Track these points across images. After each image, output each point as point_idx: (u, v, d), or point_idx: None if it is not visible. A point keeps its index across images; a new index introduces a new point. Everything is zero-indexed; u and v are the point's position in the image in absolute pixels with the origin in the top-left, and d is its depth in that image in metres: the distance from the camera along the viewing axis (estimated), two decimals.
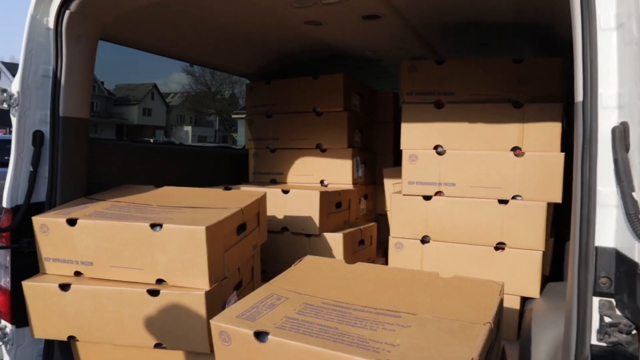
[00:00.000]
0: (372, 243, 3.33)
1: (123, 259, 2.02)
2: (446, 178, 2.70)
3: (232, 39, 3.26)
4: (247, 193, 2.50)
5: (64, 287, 2.04)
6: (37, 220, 2.12)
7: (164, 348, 2.00)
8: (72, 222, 2.06)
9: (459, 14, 2.80)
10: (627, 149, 1.23)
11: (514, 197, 2.58)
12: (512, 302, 2.62)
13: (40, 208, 2.28)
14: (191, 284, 1.94)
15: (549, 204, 2.55)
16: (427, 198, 2.75)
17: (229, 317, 1.64)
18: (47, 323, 2.10)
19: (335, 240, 2.89)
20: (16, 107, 2.24)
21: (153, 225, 1.95)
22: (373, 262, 3.26)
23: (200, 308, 1.90)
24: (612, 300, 1.30)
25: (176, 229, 1.93)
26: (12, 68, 36.43)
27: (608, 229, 1.30)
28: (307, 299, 1.77)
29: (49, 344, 2.33)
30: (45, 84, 2.30)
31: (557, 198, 2.51)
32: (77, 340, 2.11)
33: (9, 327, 2.29)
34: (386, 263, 3.17)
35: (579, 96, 1.34)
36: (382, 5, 2.60)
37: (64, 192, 2.33)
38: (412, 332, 1.51)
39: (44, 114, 2.31)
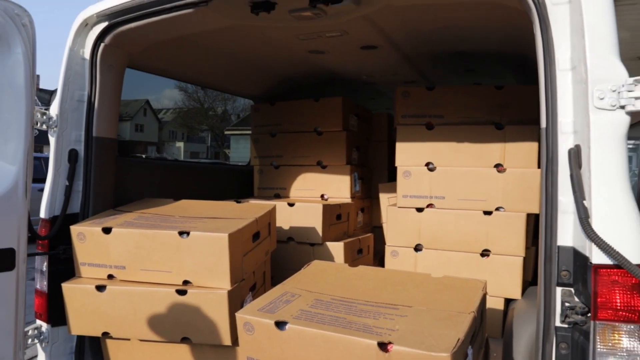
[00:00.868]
0: (369, 252, 3.61)
1: (153, 263, 2.29)
2: (436, 192, 3.00)
3: (242, 66, 3.56)
4: (258, 205, 2.78)
5: (100, 288, 2.30)
6: (75, 229, 2.39)
7: (190, 342, 2.25)
8: (107, 230, 2.33)
9: (447, 45, 3.13)
10: (579, 166, 1.53)
11: (497, 209, 2.88)
12: (497, 304, 2.91)
13: (75, 219, 2.54)
14: (214, 285, 2.21)
15: (528, 215, 2.86)
16: (419, 210, 3.05)
17: (251, 310, 1.91)
18: (83, 321, 2.36)
19: (336, 248, 3.17)
20: (54, 128, 2.51)
21: (181, 233, 2.23)
22: None
23: (223, 306, 2.17)
24: (571, 289, 1.59)
25: (201, 235, 2.20)
26: None
27: (567, 231, 1.59)
28: (318, 296, 2.05)
29: (81, 341, 2.57)
30: (80, 108, 2.59)
31: (536, 209, 2.81)
32: (111, 336, 2.36)
33: (44, 327, 2.53)
34: None
35: (543, 123, 1.65)
36: (378, 37, 2.92)
37: (95, 205, 2.60)
38: (408, 320, 1.79)
39: (79, 134, 2.59)
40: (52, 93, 2.69)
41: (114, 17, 2.44)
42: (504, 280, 2.87)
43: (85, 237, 2.37)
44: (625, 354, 1.47)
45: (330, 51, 3.26)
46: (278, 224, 3.19)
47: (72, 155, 2.56)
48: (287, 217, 3.27)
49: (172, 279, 2.27)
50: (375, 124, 4.28)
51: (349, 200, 3.67)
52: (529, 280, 3.09)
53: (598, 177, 1.48)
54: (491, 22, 2.48)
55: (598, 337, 1.49)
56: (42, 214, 2.55)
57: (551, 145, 1.61)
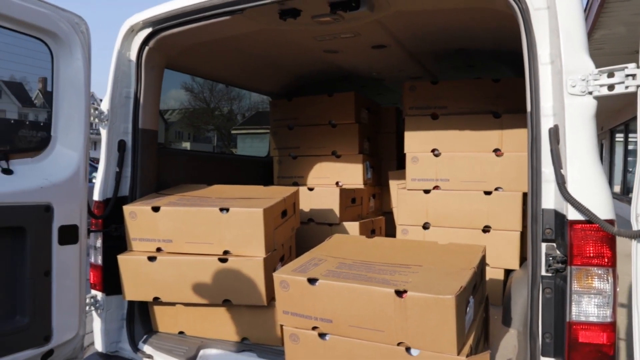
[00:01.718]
0: (381, 232, 3.97)
1: (196, 236, 2.64)
2: (441, 175, 3.34)
3: (263, 66, 3.92)
4: (284, 188, 3.13)
5: (151, 258, 2.67)
6: (127, 209, 2.75)
7: (230, 303, 2.61)
8: (156, 209, 2.69)
9: (449, 43, 3.46)
10: (558, 142, 1.88)
11: (496, 189, 3.22)
12: (497, 274, 3.25)
13: (124, 200, 2.90)
14: (251, 253, 2.56)
15: (524, 194, 3.19)
16: (426, 192, 3.40)
17: (286, 271, 2.27)
18: (136, 288, 2.72)
19: (352, 228, 3.52)
20: (105, 122, 2.88)
21: (221, 209, 2.59)
22: None
23: (259, 271, 2.52)
24: (554, 243, 1.93)
25: (240, 211, 2.56)
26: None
27: (549, 196, 1.93)
28: (341, 260, 2.40)
29: (131, 308, 2.93)
30: (127, 104, 2.95)
31: None
32: (160, 301, 2.72)
33: (100, 295, 2.89)
34: None
35: (528, 108, 1.99)
36: (387, 38, 3.26)
37: (142, 188, 2.96)
38: (419, 275, 2.14)
39: (126, 127, 2.95)
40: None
41: (158, 24, 2.79)
42: (503, 253, 3.21)
43: (137, 215, 2.73)
44: (596, 292, 1.81)
45: (343, 50, 3.60)
46: (299, 207, 3.54)
47: (121, 145, 2.92)
48: (308, 200, 3.63)
49: (214, 249, 2.62)
50: (384, 117, 4.62)
51: (361, 187, 4.02)
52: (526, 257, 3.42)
53: (572, 150, 1.82)
54: (486, 24, 2.81)
55: (574, 280, 1.83)
56: (96, 197, 2.91)
57: (535, 126, 1.96)
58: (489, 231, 3.25)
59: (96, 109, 2.87)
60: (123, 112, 2.93)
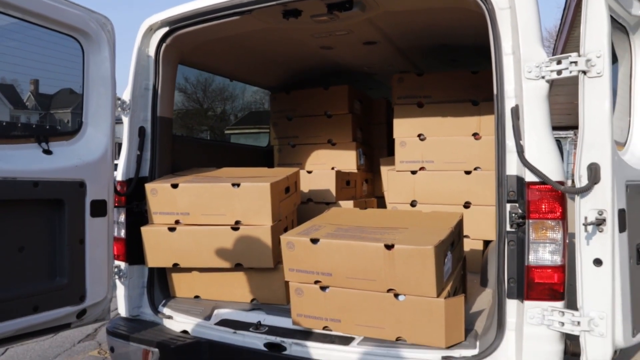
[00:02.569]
0: None
1: (211, 208, 3.01)
2: (427, 157, 3.73)
3: (265, 61, 4.29)
4: (286, 169, 3.51)
5: (171, 229, 3.03)
6: (149, 186, 3.11)
7: (242, 267, 2.98)
8: (175, 186, 3.06)
9: (434, 39, 3.85)
10: (518, 118, 2.26)
11: (475, 169, 3.62)
12: (477, 245, 3.64)
13: (144, 180, 3.25)
14: (260, 222, 2.93)
15: None
16: (413, 172, 3.79)
17: (292, 234, 2.65)
18: (158, 255, 3.09)
19: (347, 206, 3.90)
20: (127, 111, 3.23)
21: (233, 185, 2.96)
22: None
23: (267, 237, 2.90)
24: (516, 203, 2.31)
25: (250, 185, 2.93)
26: None
27: (512, 164, 2.32)
28: (338, 225, 2.78)
29: (151, 276, 3.27)
30: (145, 94, 3.30)
31: None
32: (179, 267, 3.08)
33: (123, 265, 3.25)
34: None
35: (495, 90, 2.38)
36: (378, 34, 3.65)
37: (160, 170, 3.31)
38: (405, 234, 2.53)
39: (146, 115, 3.31)
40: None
41: (175, 24, 3.16)
42: (482, 225, 3.60)
43: (157, 192, 3.10)
44: (549, 241, 2.20)
45: (337, 47, 3.98)
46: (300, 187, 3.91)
47: (141, 131, 3.27)
48: (307, 182, 4.00)
49: (226, 220, 2.99)
50: (375, 109, 5.01)
51: (355, 171, 4.40)
52: None
53: (529, 125, 2.22)
54: (464, 22, 3.19)
55: (532, 232, 2.22)
56: (119, 177, 3.27)
57: (500, 106, 2.34)
58: (469, 206, 3.64)
59: (119, 98, 3.23)
60: (142, 102, 3.29)
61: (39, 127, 2.94)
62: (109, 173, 2.97)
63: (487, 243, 3.66)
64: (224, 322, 2.91)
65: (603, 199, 2.05)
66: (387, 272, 2.36)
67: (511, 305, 2.32)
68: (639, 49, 2.72)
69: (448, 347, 2.37)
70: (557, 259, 2.19)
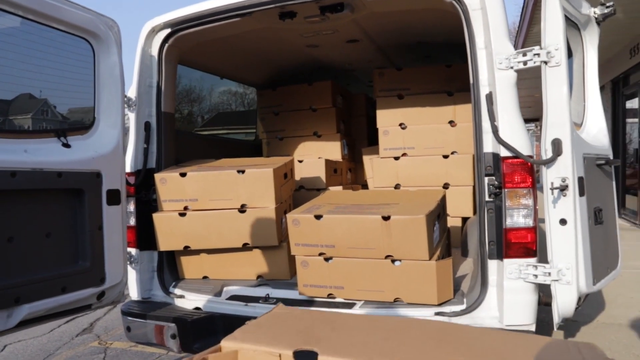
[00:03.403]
0: None
1: (218, 194, 3.29)
2: (408, 144, 4.10)
3: (254, 59, 4.58)
4: (281, 157, 3.81)
5: (182, 214, 3.30)
6: (158, 176, 3.37)
7: (248, 246, 3.27)
8: (183, 174, 3.32)
9: (411, 37, 4.22)
10: (492, 103, 2.64)
11: (452, 153, 4.01)
12: (457, 222, 4.03)
13: (152, 171, 3.50)
14: (264, 205, 3.23)
15: (474, 156, 3.97)
16: (396, 158, 4.15)
17: (297, 212, 2.96)
18: (169, 239, 3.34)
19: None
20: (134, 107, 3.48)
21: (238, 171, 3.24)
22: None
23: (272, 217, 3.20)
24: (493, 177, 2.69)
25: (254, 171, 3.23)
26: None
27: (488, 142, 2.69)
28: (337, 204, 3.11)
29: (160, 261, 3.52)
30: (150, 92, 3.55)
31: None
32: (190, 249, 3.35)
33: (134, 251, 3.48)
34: None
35: (471, 80, 2.75)
36: (360, 33, 3.99)
37: (165, 161, 3.56)
38: (399, 207, 2.87)
39: (150, 110, 3.55)
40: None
41: (176, 25, 3.42)
42: (460, 204, 3.99)
43: (167, 181, 3.35)
44: (523, 207, 2.59)
45: (322, 45, 4.31)
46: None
47: (147, 125, 3.52)
48: (298, 171, 4.31)
49: (233, 204, 3.28)
50: (355, 103, 5.36)
51: (340, 160, 4.73)
52: None
53: (501, 108, 2.60)
54: (440, 21, 3.57)
55: (507, 200, 2.60)
56: (128, 169, 3.50)
57: (476, 93, 2.72)
58: (448, 187, 4.02)
59: (125, 96, 3.46)
60: (147, 98, 3.53)
61: (58, 123, 3.13)
62: (121, 164, 3.21)
63: (465, 220, 4.06)
64: (234, 297, 3.20)
65: (565, 168, 2.45)
66: (385, 241, 2.70)
67: (492, 264, 2.69)
68: (589, 44, 3.15)
69: (440, 304, 2.73)
70: (530, 222, 2.58)
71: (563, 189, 2.45)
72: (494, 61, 2.59)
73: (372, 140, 5.19)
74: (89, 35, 3.09)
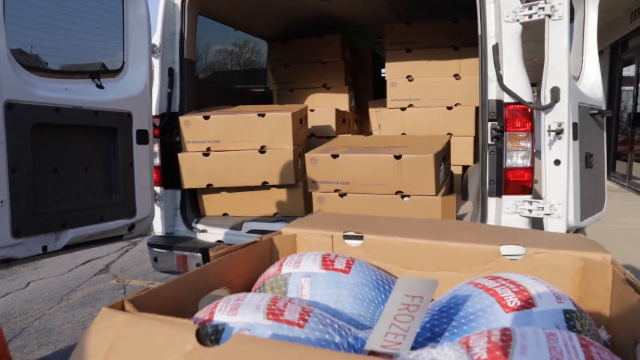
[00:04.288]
0: None
1: (239, 136, 3.54)
2: (414, 95, 4.34)
3: (268, 12, 4.74)
4: (296, 105, 4.04)
5: (205, 154, 3.55)
6: (183, 118, 3.60)
7: (267, 184, 3.54)
8: (206, 117, 3.56)
9: None
10: (498, 53, 2.88)
11: (456, 105, 4.25)
12: (457, 170, 4.32)
13: (176, 115, 3.73)
14: (282, 147, 3.49)
15: (477, 108, 4.23)
16: (403, 109, 4.39)
17: (314, 152, 3.22)
18: (193, 178, 3.61)
19: None
20: (158, 53, 3.67)
21: (259, 115, 3.48)
22: None
23: (290, 158, 3.46)
24: (495, 122, 2.95)
25: (274, 114, 3.47)
26: None
27: (493, 90, 2.94)
28: (350, 147, 3.37)
29: (183, 199, 3.80)
30: (173, 39, 3.74)
31: None
32: (213, 186, 3.62)
33: (158, 189, 3.75)
34: None
35: (479, 32, 2.97)
36: None
37: (188, 105, 3.79)
38: (408, 148, 3.14)
39: (174, 57, 3.75)
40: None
41: None
42: (461, 153, 4.27)
43: (191, 123, 3.59)
44: (522, 149, 2.86)
45: None
46: None
47: (170, 71, 3.72)
48: (309, 120, 4.54)
49: (253, 145, 3.53)
50: (363, 57, 5.55)
51: (348, 111, 4.97)
52: None
53: (506, 58, 2.83)
54: None
55: (508, 142, 2.88)
56: (153, 112, 3.73)
57: (483, 44, 2.95)
58: (451, 136, 4.28)
59: (151, 43, 3.65)
60: (170, 45, 3.72)
61: (91, 65, 3.33)
62: (148, 106, 3.44)
63: (465, 168, 4.34)
64: (254, 231, 3.49)
65: (562, 114, 2.71)
66: (396, 178, 2.98)
67: (491, 201, 2.99)
68: (591, 2, 3.36)
69: None
70: (527, 162, 2.87)
71: (559, 132, 2.72)
72: (501, 14, 2.81)
73: (377, 94, 5.41)
74: None
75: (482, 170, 3.00)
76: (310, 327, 0.82)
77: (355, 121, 5.26)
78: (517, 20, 2.79)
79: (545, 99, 2.73)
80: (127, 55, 3.37)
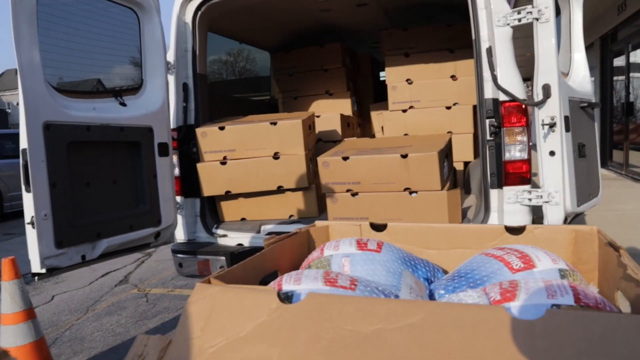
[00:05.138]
0: None
1: (253, 144, 3.76)
2: (414, 97, 4.58)
3: (271, 24, 4.98)
4: (304, 112, 4.27)
5: (222, 163, 3.78)
6: (199, 130, 3.83)
7: (282, 188, 3.77)
8: (221, 128, 3.79)
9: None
10: (491, 56, 3.11)
11: (454, 104, 4.49)
12: (459, 166, 4.55)
13: (192, 127, 3.95)
14: (295, 152, 3.72)
15: (474, 106, 4.46)
16: (404, 111, 4.63)
17: (325, 155, 3.45)
18: (212, 186, 3.83)
19: None
20: (172, 69, 3.91)
21: (271, 123, 3.71)
22: None
23: (302, 163, 3.69)
24: (493, 119, 3.18)
25: (285, 122, 3.70)
26: None
27: (488, 89, 3.17)
28: (358, 149, 3.60)
29: (202, 206, 4.01)
30: (185, 55, 3.97)
31: None
32: (230, 194, 3.84)
33: (179, 199, 3.97)
34: None
35: (473, 36, 3.21)
36: None
37: (202, 117, 4.02)
38: (413, 148, 3.37)
39: (187, 73, 3.98)
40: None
41: None
42: (462, 149, 4.50)
43: (207, 134, 3.82)
44: (519, 143, 3.09)
45: (334, 9, 4.71)
46: None
47: (185, 86, 3.96)
48: (316, 125, 4.78)
49: (267, 152, 3.76)
50: (362, 63, 5.79)
51: (352, 116, 5.20)
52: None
53: (500, 60, 3.07)
54: None
55: (506, 137, 3.11)
56: (172, 125, 3.95)
57: (478, 48, 3.18)
58: (452, 134, 4.52)
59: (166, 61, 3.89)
60: (184, 62, 3.96)
61: (114, 85, 3.56)
62: (167, 120, 3.67)
63: (466, 164, 4.57)
64: (272, 234, 3.71)
65: (553, 108, 2.94)
66: (403, 175, 3.21)
67: (493, 193, 3.22)
68: (575, 2, 3.60)
69: None
70: (525, 155, 3.10)
71: (552, 125, 2.95)
72: (493, 19, 3.05)
73: (377, 98, 5.65)
74: (134, 5, 3.49)
75: (483, 164, 3.23)
76: (360, 290, 1.04)
77: (358, 125, 5.49)
78: (508, 24, 3.03)
79: (538, 95, 2.96)
80: (145, 73, 3.61)
